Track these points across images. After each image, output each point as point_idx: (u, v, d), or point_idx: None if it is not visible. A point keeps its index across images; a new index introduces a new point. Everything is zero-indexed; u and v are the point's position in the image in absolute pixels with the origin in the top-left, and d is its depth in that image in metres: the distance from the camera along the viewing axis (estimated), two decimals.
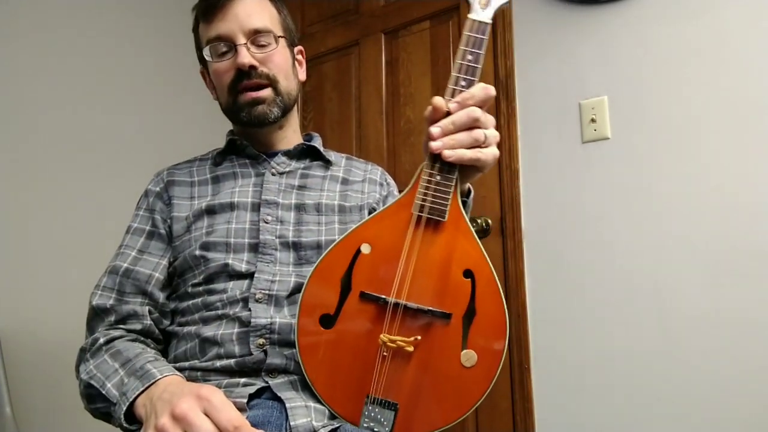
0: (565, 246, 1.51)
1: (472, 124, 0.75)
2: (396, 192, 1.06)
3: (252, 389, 0.78)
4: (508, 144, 1.62)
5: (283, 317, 0.83)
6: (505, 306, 0.76)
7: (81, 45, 1.78)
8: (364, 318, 0.76)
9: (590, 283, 1.46)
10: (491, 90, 0.76)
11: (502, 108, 1.64)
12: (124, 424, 0.72)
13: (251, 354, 0.81)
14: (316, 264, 0.79)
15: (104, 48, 1.84)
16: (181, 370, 0.81)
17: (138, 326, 0.87)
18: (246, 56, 0.90)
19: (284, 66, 0.96)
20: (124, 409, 0.71)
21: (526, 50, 1.63)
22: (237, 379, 0.81)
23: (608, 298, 1.43)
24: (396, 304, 0.75)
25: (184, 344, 0.86)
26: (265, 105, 0.93)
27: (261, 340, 0.82)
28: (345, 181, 1.01)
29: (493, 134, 0.77)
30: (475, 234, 0.78)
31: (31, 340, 1.55)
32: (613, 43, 1.48)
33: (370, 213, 0.98)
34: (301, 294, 0.78)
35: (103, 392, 0.76)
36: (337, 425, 0.76)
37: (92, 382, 0.78)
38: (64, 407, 1.46)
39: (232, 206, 0.91)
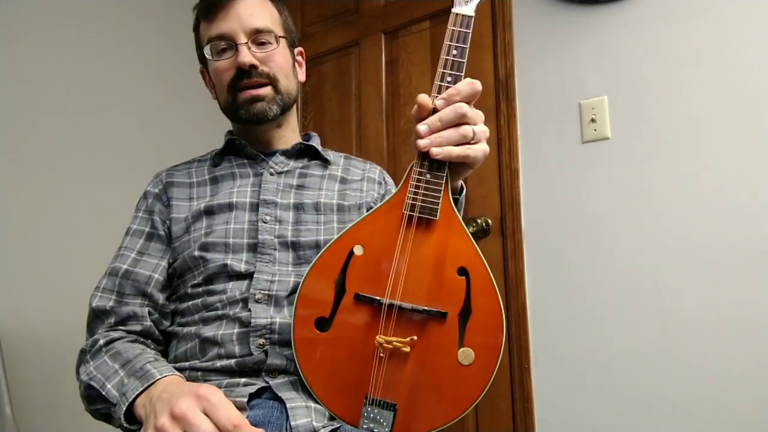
0: (565, 246, 1.51)
1: (460, 121, 0.74)
2: (394, 191, 1.06)
3: (252, 389, 0.78)
4: (508, 144, 1.62)
5: (283, 317, 0.83)
6: (501, 302, 0.76)
7: (81, 45, 1.78)
8: (360, 320, 0.76)
9: (590, 283, 1.46)
10: (477, 85, 0.75)
11: (502, 108, 1.64)
12: (124, 425, 0.72)
13: (252, 354, 0.81)
14: (309, 267, 0.79)
15: (104, 48, 1.84)
16: (181, 370, 0.81)
17: (138, 327, 0.87)
18: (247, 55, 0.91)
19: (284, 66, 0.97)
20: (124, 409, 0.71)
21: (526, 50, 1.63)
22: (237, 379, 0.81)
23: (608, 298, 1.43)
24: (390, 305, 0.75)
25: (185, 344, 0.86)
26: (264, 102, 0.93)
27: (261, 341, 0.82)
28: (343, 180, 1.01)
29: (481, 130, 0.76)
30: (468, 231, 0.78)
31: (31, 340, 1.55)
32: (613, 43, 1.48)
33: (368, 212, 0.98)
34: (295, 298, 0.78)
35: (103, 393, 0.76)
36: (338, 425, 0.76)
37: (92, 383, 0.78)
38: (64, 407, 1.46)
39: (230, 206, 0.91)
